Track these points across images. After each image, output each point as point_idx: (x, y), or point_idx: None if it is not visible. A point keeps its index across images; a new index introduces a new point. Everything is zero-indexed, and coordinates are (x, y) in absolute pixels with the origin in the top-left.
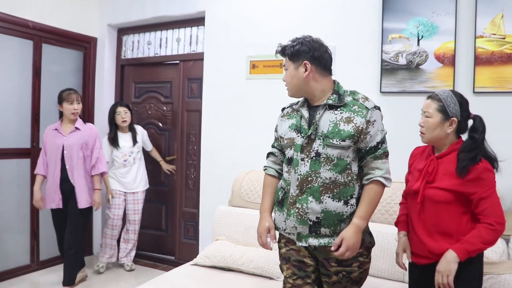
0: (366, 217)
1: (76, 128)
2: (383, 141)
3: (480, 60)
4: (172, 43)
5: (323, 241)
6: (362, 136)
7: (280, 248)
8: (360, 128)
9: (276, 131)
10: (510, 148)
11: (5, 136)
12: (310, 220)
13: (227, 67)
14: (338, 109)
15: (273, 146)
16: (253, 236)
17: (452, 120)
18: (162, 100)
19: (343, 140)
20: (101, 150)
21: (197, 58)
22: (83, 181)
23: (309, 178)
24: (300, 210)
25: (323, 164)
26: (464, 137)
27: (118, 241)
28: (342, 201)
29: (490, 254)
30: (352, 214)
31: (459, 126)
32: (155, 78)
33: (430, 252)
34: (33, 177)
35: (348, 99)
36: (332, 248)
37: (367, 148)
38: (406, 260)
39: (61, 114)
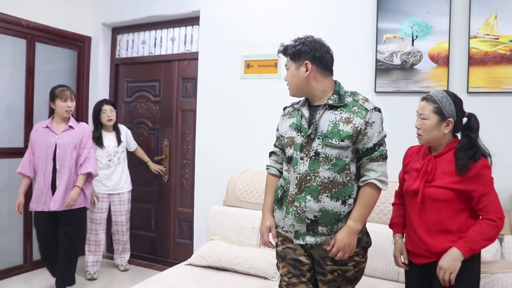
0: (360, 219)
1: (70, 126)
2: (381, 143)
3: (474, 60)
4: (167, 43)
5: (320, 239)
6: (360, 137)
7: (276, 246)
8: (358, 128)
9: (277, 130)
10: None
11: None
12: (308, 219)
13: (221, 66)
14: (338, 110)
15: (275, 145)
16: (248, 236)
17: (448, 121)
18: (152, 99)
19: (342, 140)
20: (92, 150)
21: (192, 58)
22: (74, 182)
23: (308, 177)
24: (298, 208)
25: (322, 164)
26: (459, 135)
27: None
28: (340, 200)
29: (484, 253)
30: (349, 213)
31: (455, 125)
32: (149, 77)
33: (429, 251)
34: None
35: (349, 99)
36: (328, 248)
37: (364, 149)
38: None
39: (51, 112)
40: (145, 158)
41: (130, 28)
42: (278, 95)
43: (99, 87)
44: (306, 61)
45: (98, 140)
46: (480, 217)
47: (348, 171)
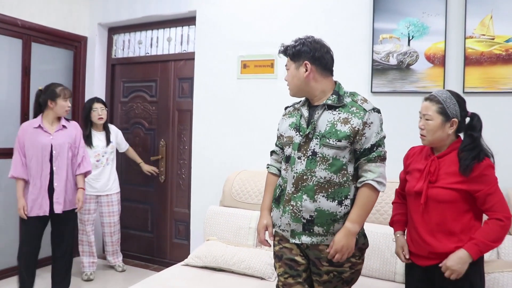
0: (357, 221)
1: (64, 126)
2: (379, 144)
3: (470, 61)
4: (163, 43)
5: (316, 239)
6: (357, 137)
7: (274, 245)
8: (356, 129)
9: (278, 129)
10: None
11: None
12: (304, 218)
13: (218, 66)
14: (337, 110)
15: (276, 145)
16: (245, 236)
17: (453, 121)
18: (148, 99)
19: (339, 141)
20: (85, 149)
21: (188, 58)
22: (70, 182)
23: (305, 177)
24: (295, 207)
25: (318, 164)
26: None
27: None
28: (336, 201)
29: None
30: (346, 214)
31: (458, 125)
32: (145, 78)
33: (432, 253)
34: None
35: (347, 100)
36: (327, 250)
37: (362, 150)
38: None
39: (37, 111)
40: (138, 159)
41: (126, 28)
42: (274, 95)
43: (95, 87)
44: (306, 61)
45: (87, 139)
46: (487, 217)
47: (345, 172)
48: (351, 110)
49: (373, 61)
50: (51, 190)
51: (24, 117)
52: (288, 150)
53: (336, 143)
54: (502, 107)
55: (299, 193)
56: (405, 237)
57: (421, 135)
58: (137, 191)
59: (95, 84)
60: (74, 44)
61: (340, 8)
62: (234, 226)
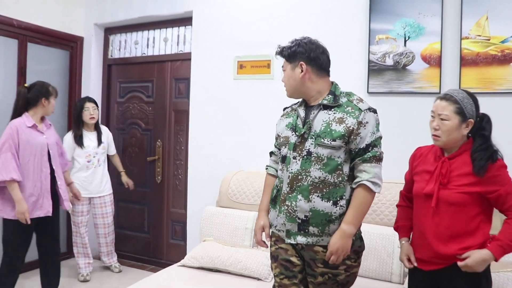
0: (353, 222)
1: (50, 124)
2: (374, 144)
3: (465, 61)
4: (160, 43)
5: (311, 240)
6: (352, 137)
7: (270, 246)
8: (351, 128)
9: (276, 130)
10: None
11: None
12: (299, 218)
13: (214, 67)
14: (332, 110)
15: (274, 146)
16: (241, 237)
17: (469, 122)
18: (145, 99)
19: (334, 140)
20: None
21: (185, 58)
22: (64, 181)
23: (299, 177)
24: (289, 207)
25: (313, 163)
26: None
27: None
28: (331, 201)
29: None
30: (341, 215)
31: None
32: (142, 78)
33: (439, 257)
34: None
35: (343, 100)
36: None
37: (357, 150)
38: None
39: (22, 108)
40: (120, 167)
41: (123, 29)
42: (271, 95)
43: (92, 87)
44: (301, 62)
45: (78, 139)
46: (506, 217)
47: (341, 172)
48: (346, 109)
49: (370, 61)
50: (53, 190)
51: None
52: (284, 150)
53: (330, 143)
54: (498, 108)
55: (294, 193)
56: (410, 242)
57: (435, 135)
58: (133, 192)
59: (91, 85)
60: (70, 45)
61: (337, 9)
62: (230, 226)
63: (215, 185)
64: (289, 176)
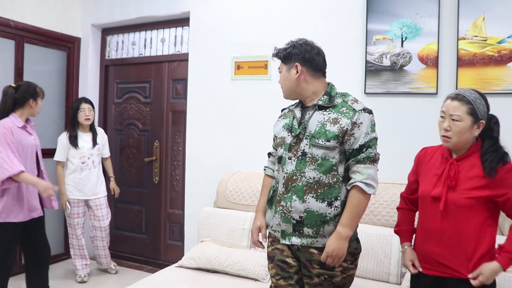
0: (348, 224)
1: (34, 125)
2: (369, 145)
3: (462, 62)
4: (157, 44)
5: (306, 241)
6: (346, 138)
7: (267, 246)
8: (345, 129)
9: (273, 131)
10: None
11: None
12: (294, 219)
13: (212, 67)
14: (327, 110)
15: (272, 147)
16: (238, 238)
17: (480, 123)
18: (142, 100)
19: (328, 141)
20: None
21: (182, 59)
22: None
23: (294, 177)
24: (284, 208)
25: (308, 164)
26: None
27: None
28: (326, 202)
29: None
30: (336, 216)
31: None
32: (139, 79)
33: (444, 264)
34: None
35: (338, 100)
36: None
37: (350, 151)
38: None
39: (10, 108)
40: (110, 172)
41: (120, 29)
42: (268, 96)
43: (89, 88)
44: (296, 63)
45: (73, 140)
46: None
47: (335, 173)
48: (341, 110)
49: (367, 62)
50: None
51: None
52: (280, 151)
53: (325, 143)
54: (494, 108)
55: (289, 194)
56: (412, 246)
57: (445, 136)
58: (131, 193)
59: (89, 85)
60: (67, 45)
61: (334, 9)
62: (228, 227)
63: (213, 185)
64: (284, 177)
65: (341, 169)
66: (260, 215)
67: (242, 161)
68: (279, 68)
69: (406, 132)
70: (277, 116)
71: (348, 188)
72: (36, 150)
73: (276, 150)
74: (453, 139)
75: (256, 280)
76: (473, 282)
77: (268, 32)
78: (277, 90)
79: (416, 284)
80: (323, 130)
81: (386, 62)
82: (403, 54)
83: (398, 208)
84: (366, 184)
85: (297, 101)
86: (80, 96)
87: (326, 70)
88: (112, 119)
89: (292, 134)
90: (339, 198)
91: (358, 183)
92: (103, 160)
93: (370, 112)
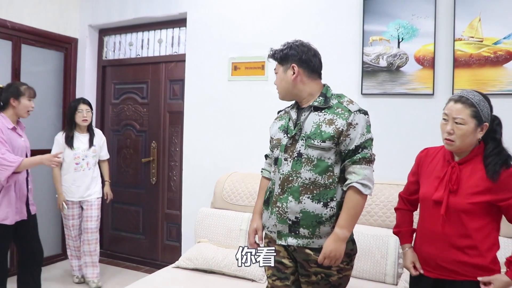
0: (345, 225)
1: (24, 127)
2: (364, 146)
3: (459, 63)
4: (154, 44)
5: (302, 242)
6: (342, 138)
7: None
8: (340, 130)
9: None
10: None
11: None
12: (290, 220)
13: (209, 68)
14: (323, 111)
15: (269, 149)
16: (235, 238)
17: (484, 126)
18: (139, 101)
19: (324, 141)
20: None
21: (179, 60)
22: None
23: (290, 178)
24: (280, 209)
25: (304, 165)
26: None
27: None
28: (322, 203)
29: None
30: (331, 217)
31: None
32: (136, 79)
33: (446, 267)
34: None
35: (334, 102)
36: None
37: (346, 151)
38: (405, 271)
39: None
40: (106, 176)
41: (117, 30)
42: (265, 97)
43: (86, 89)
44: (293, 64)
45: (69, 141)
46: None
47: (331, 173)
48: (336, 111)
49: (363, 63)
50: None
51: None
52: (276, 152)
53: (320, 144)
54: None
55: (285, 195)
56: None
57: (448, 139)
58: (128, 193)
59: (86, 86)
60: (65, 46)
61: (331, 10)
62: (225, 228)
63: (210, 186)
64: (280, 178)
65: (336, 170)
66: (256, 217)
67: (239, 162)
68: (275, 69)
69: (402, 132)
70: (274, 117)
71: (345, 189)
72: (26, 152)
73: (273, 151)
74: (457, 143)
75: (252, 280)
76: None
77: (265, 33)
78: (274, 91)
79: (417, 286)
80: (319, 131)
81: (383, 63)
82: (400, 55)
83: (396, 209)
84: (362, 184)
85: (293, 102)
86: (77, 96)
87: (323, 71)
88: (109, 120)
89: (288, 135)
90: (334, 199)
91: (354, 184)
92: (100, 163)
93: (365, 113)
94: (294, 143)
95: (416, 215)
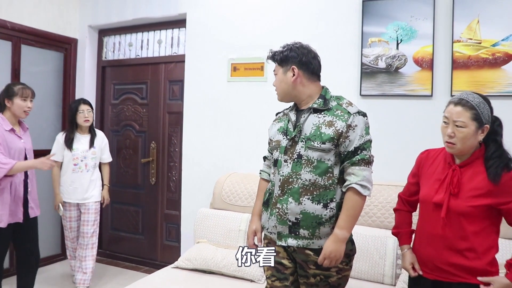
0: (345, 226)
1: (27, 128)
2: (363, 147)
3: (457, 64)
4: (154, 45)
5: (302, 242)
6: (341, 140)
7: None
8: (340, 131)
9: (268, 134)
10: None
11: None
12: (290, 221)
13: (208, 69)
14: (322, 113)
15: (268, 150)
16: (234, 239)
17: (485, 127)
18: (139, 101)
19: (323, 143)
20: None
21: (179, 60)
22: (36, 186)
23: (290, 179)
24: (280, 210)
25: (304, 166)
26: None
27: None
28: (322, 204)
29: None
30: (331, 217)
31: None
32: (136, 80)
33: (445, 270)
34: None
35: (333, 103)
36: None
37: (345, 153)
38: (403, 271)
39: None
40: (106, 180)
41: (117, 31)
42: (264, 98)
43: (86, 89)
44: (293, 66)
45: (69, 143)
46: None
47: (331, 175)
48: (336, 113)
49: (362, 64)
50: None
51: None
52: (275, 154)
53: (320, 146)
54: None
55: (285, 196)
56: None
57: (450, 143)
58: (128, 193)
59: (86, 87)
60: (64, 46)
61: (330, 11)
62: (224, 228)
63: (209, 187)
64: (280, 179)
65: (336, 171)
66: (256, 218)
67: (238, 163)
68: (274, 71)
69: (400, 133)
70: (273, 119)
71: (344, 190)
72: (25, 154)
73: (272, 153)
74: (458, 145)
75: (251, 281)
76: None
77: (264, 34)
78: (273, 92)
79: (415, 287)
80: (319, 132)
81: (382, 64)
82: (399, 56)
83: (395, 210)
84: (361, 186)
85: (292, 104)
86: (77, 97)
87: (322, 72)
88: (109, 120)
89: (288, 137)
90: (334, 200)
91: (353, 185)
92: (101, 166)
93: (364, 115)
94: (293, 144)
95: (415, 216)
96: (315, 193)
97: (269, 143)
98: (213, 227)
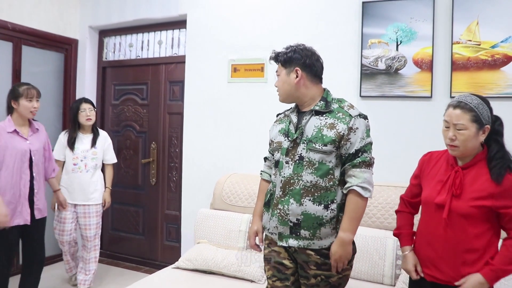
0: (348, 229)
1: (37, 129)
2: (364, 150)
3: (456, 66)
4: (154, 46)
5: (303, 243)
6: (342, 142)
7: (264, 248)
8: (341, 134)
9: (269, 136)
10: None
11: None
12: (291, 222)
13: (208, 70)
14: (324, 115)
15: (268, 151)
16: (235, 239)
17: (485, 128)
18: (139, 102)
19: (325, 145)
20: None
21: (179, 61)
22: (44, 187)
23: (292, 181)
24: (282, 211)
25: (305, 168)
26: None
27: None
28: (323, 205)
29: None
30: (332, 218)
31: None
32: (136, 81)
33: (445, 272)
34: None
35: (335, 106)
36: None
37: (346, 155)
38: (403, 272)
39: (8, 112)
40: (107, 181)
41: (117, 31)
42: (264, 99)
43: (86, 90)
44: (297, 68)
45: (72, 143)
46: (507, 235)
47: (332, 176)
48: (337, 115)
49: (362, 65)
50: (32, 197)
51: None
52: (277, 155)
53: (322, 148)
54: None
55: (286, 197)
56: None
57: (452, 145)
58: (128, 194)
59: (86, 87)
60: (65, 47)
61: (330, 13)
62: (224, 229)
63: (209, 187)
64: (281, 180)
65: (337, 173)
66: (257, 219)
67: (239, 163)
68: (277, 71)
69: (400, 135)
70: (273, 120)
71: (345, 192)
72: (30, 155)
73: (273, 154)
74: (460, 148)
75: (252, 281)
76: None
77: (264, 35)
78: (273, 92)
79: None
80: (320, 134)
81: (381, 65)
82: (398, 57)
83: (397, 211)
84: (362, 187)
85: (293, 106)
86: (77, 97)
87: (323, 73)
88: (110, 121)
89: (289, 138)
90: (335, 201)
91: (354, 187)
92: (104, 167)
93: (365, 117)
94: (295, 146)
95: (416, 218)
96: (316, 194)
97: (270, 144)
98: (214, 227)
